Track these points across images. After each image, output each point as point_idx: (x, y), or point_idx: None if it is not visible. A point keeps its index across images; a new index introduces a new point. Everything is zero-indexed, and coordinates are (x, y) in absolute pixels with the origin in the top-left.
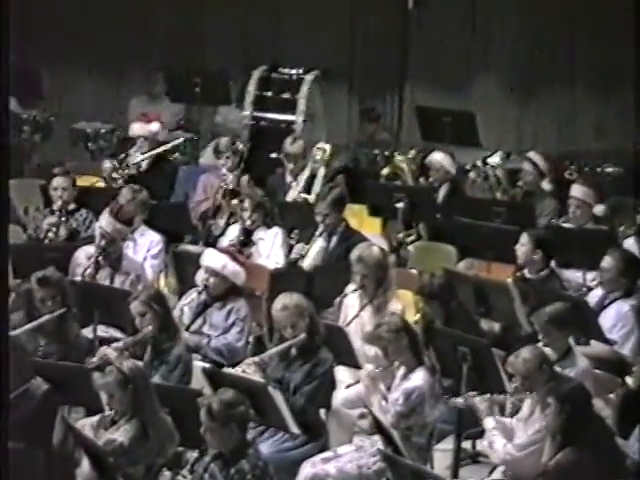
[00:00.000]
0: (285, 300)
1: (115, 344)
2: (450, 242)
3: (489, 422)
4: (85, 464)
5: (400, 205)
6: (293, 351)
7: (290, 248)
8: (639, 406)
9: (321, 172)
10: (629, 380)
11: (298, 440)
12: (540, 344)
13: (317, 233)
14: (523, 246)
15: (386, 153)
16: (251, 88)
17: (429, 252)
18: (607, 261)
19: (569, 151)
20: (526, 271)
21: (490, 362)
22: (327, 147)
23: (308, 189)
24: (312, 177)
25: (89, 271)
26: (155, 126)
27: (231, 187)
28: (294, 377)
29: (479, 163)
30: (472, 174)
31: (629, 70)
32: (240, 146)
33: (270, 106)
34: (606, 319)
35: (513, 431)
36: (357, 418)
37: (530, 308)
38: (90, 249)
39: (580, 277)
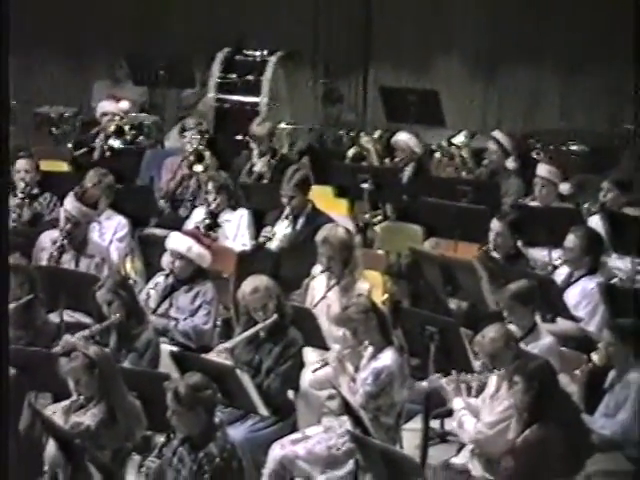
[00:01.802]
0: (255, 282)
1: (81, 332)
2: (417, 222)
3: (457, 403)
4: (51, 447)
5: (366, 186)
6: (262, 333)
7: (258, 230)
8: (604, 382)
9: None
10: (594, 357)
11: (268, 421)
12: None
13: (283, 215)
14: (499, 236)
15: (351, 134)
16: (215, 70)
17: (396, 232)
18: (571, 240)
19: (534, 130)
20: (491, 248)
21: (457, 341)
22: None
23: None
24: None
25: (54, 255)
26: (125, 104)
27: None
28: (266, 359)
29: (444, 143)
30: (437, 154)
31: (595, 48)
32: (205, 126)
33: (234, 88)
34: (572, 297)
35: (478, 410)
36: (326, 399)
37: (497, 287)
38: (54, 233)
39: (546, 255)
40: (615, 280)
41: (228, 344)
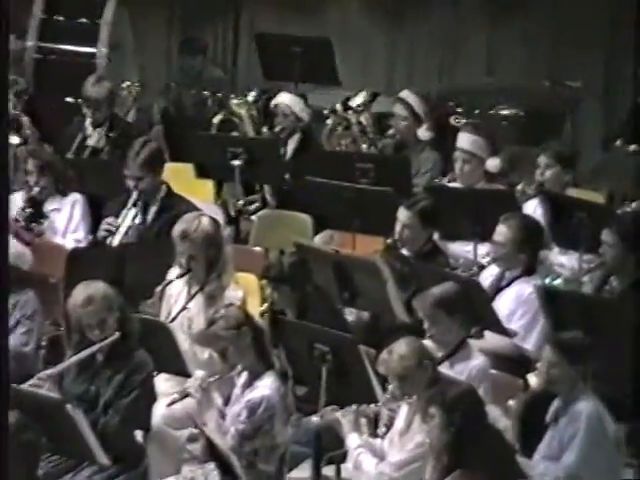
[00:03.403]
0: (89, 291)
1: None
2: (304, 210)
3: (353, 439)
4: None
5: (237, 163)
6: (99, 357)
7: (97, 222)
8: (545, 415)
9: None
10: (532, 381)
11: (109, 472)
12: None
13: (130, 202)
14: (408, 228)
15: (218, 95)
16: (36, 10)
17: (277, 223)
18: (501, 232)
19: (454, 89)
20: (399, 243)
21: (356, 362)
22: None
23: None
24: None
25: None
26: None
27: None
28: (104, 390)
29: (338, 107)
30: (330, 121)
31: None
32: (22, 85)
33: (62, 34)
34: (503, 304)
35: (384, 453)
36: (186, 441)
37: (409, 293)
38: None
39: (470, 252)
40: (558, 282)
41: (54, 370)
